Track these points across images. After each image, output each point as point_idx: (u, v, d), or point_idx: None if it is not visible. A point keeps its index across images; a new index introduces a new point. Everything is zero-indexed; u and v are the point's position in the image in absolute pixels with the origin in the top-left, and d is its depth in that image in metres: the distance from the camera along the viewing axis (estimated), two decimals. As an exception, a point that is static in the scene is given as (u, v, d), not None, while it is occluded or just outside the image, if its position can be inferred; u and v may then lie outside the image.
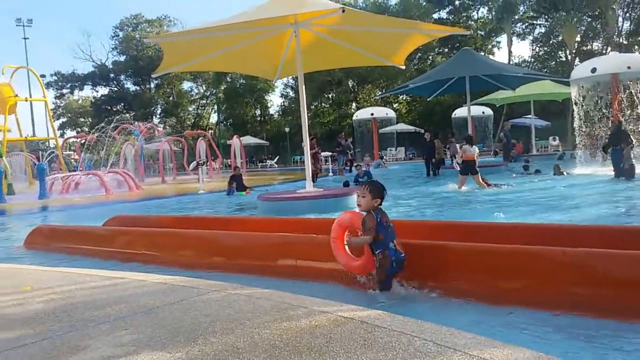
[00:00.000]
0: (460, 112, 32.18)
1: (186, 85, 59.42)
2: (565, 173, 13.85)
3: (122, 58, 57.46)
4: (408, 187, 14.20)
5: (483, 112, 33.92)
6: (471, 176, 11.96)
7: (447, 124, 36.24)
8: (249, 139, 45.84)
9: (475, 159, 12.00)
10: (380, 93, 46.50)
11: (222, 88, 56.13)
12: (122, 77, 58.52)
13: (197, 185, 17.38)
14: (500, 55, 50.50)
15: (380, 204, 3.95)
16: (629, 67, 15.73)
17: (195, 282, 3.82)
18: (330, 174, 21.60)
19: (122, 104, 58.03)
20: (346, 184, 14.24)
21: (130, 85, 59.39)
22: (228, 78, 53.95)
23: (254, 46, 10.75)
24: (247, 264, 5.06)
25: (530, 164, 16.80)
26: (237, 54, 10.97)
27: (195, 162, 19.26)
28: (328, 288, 4.25)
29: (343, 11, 8.42)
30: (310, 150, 16.34)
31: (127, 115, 51.26)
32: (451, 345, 2.18)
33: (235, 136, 31.92)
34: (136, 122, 31.07)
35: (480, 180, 11.89)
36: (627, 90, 15.81)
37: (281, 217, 7.14)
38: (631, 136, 12.77)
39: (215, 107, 57.58)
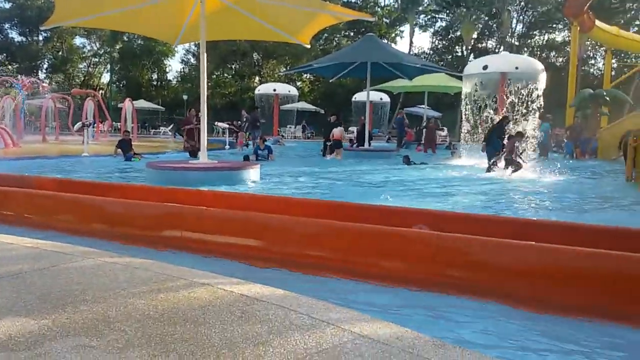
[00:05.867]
0: (360, 97, 32.85)
1: (78, 40, 55.20)
2: (413, 163, 14.58)
3: (7, 5, 52.26)
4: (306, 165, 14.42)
5: (381, 99, 34.87)
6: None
7: (348, 106, 36.94)
8: (143, 103, 43.72)
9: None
10: (284, 70, 46.32)
11: (118, 47, 52.96)
12: (7, 25, 53.21)
13: (81, 147, 16.38)
14: (402, 45, 52.26)
15: None
16: (516, 68, 16.91)
17: (70, 249, 3.61)
18: (227, 147, 21.26)
19: (5, 55, 52.87)
20: (246, 158, 14.12)
21: (15, 36, 54.09)
22: (125, 37, 50.88)
23: (155, 7, 10.19)
24: (130, 233, 4.89)
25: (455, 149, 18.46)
26: (137, 14, 10.38)
27: (80, 122, 18.09)
28: (214, 261, 4.22)
29: (250, -20, 8.24)
30: (186, 125, 15.92)
31: (10, 67, 46.98)
32: (325, 319, 2.25)
33: (127, 99, 30.34)
34: (19, 76, 28.54)
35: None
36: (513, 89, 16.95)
37: (169, 187, 6.94)
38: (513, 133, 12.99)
39: (109, 66, 54.29)
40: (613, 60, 33.31)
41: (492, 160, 12.30)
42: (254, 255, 4.26)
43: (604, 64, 33.68)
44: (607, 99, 22.13)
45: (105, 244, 4.48)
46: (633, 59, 35.38)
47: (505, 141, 12.24)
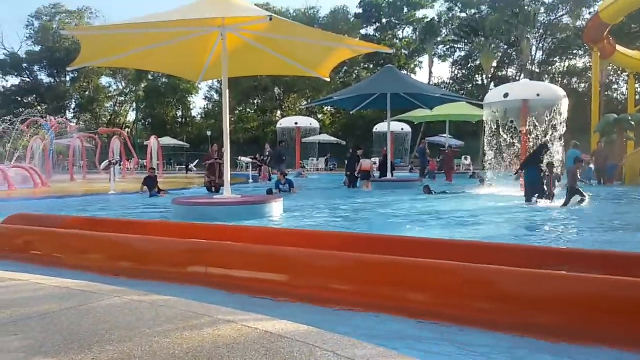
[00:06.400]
0: (381, 127, 32.98)
1: (104, 80, 56.92)
2: (434, 193, 14.50)
3: (37, 48, 54.22)
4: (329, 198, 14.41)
5: (402, 129, 34.95)
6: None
7: (369, 137, 37.09)
8: (168, 140, 44.60)
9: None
10: (305, 103, 46.88)
11: (143, 86, 54.36)
12: (36, 67, 55.10)
13: (108, 185, 16.68)
14: (421, 75, 52.53)
15: None
16: (538, 95, 16.80)
17: (97, 287, 3.65)
18: (251, 181, 21.45)
19: (34, 96, 54.64)
20: (269, 192, 14.20)
21: (44, 77, 55.97)
22: (149, 76, 52.30)
23: (178, 46, 10.49)
24: (156, 270, 4.92)
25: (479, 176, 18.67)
26: (160, 53, 10.67)
27: (107, 161, 18.47)
28: (238, 297, 4.21)
29: (270, 19, 8.41)
30: (207, 160, 16.15)
31: (39, 108, 48.41)
32: (351, 356, 2.22)
33: (153, 136, 30.98)
34: (48, 116, 29.47)
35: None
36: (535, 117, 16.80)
37: (194, 223, 7.00)
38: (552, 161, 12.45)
39: (134, 105, 55.62)
40: (637, 85, 32.92)
41: (536, 193, 11.58)
42: (278, 290, 4.24)
43: (627, 89, 33.28)
44: (632, 123, 21.77)
45: (133, 282, 4.52)
46: (658, 83, 34.94)
47: (545, 168, 11.61)
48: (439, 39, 49.60)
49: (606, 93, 37.86)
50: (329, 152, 40.47)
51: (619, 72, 41.59)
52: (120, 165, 24.66)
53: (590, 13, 38.53)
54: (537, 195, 11.54)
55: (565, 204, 11.09)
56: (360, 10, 51.97)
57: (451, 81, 51.03)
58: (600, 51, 25.02)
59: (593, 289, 3.36)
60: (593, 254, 4.59)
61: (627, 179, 18.23)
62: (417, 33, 50.95)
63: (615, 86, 44.80)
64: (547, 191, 11.51)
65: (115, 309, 3.05)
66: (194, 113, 58.43)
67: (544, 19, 45.87)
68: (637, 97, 32.00)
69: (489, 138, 17.17)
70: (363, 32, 51.46)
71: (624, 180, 18.44)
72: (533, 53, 46.06)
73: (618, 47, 24.73)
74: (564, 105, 16.13)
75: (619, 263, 4.16)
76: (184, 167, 39.45)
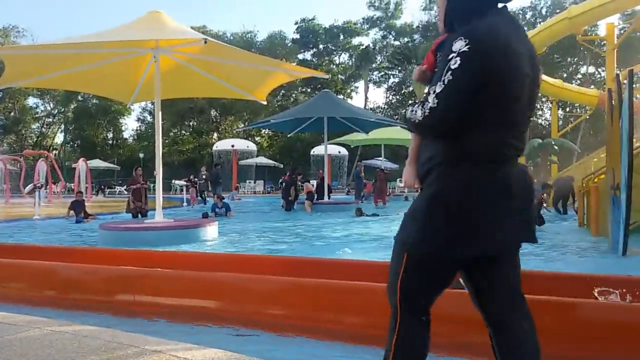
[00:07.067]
0: (318, 150, 33.28)
1: (31, 100, 54.45)
2: (365, 215, 14.67)
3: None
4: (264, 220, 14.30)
5: (339, 152, 35.39)
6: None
7: (306, 160, 37.33)
8: (98, 163, 43.15)
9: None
10: (242, 125, 46.71)
11: (72, 107, 52.47)
12: (-45, 87, 52.08)
13: (32, 210, 15.87)
14: (357, 100, 53.68)
15: None
16: None
17: (14, 318, 3.43)
18: (185, 204, 21.03)
19: (-47, 117, 51.71)
20: (205, 216, 13.95)
21: (-36, 97, 53.10)
22: (79, 97, 50.56)
23: (109, 67, 10.22)
24: (82, 299, 4.68)
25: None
26: (91, 74, 10.36)
27: (32, 184, 17.62)
28: (167, 326, 4.07)
29: (205, 42, 8.36)
30: (132, 185, 15.58)
31: (-42, 129, 45.74)
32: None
33: (81, 159, 29.86)
34: (-31, 138, 27.92)
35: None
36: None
37: (123, 249, 6.75)
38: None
39: (63, 126, 53.53)
40: (559, 111, 34.92)
41: None
42: (210, 316, 4.13)
43: (550, 115, 35.28)
44: (556, 147, 22.97)
45: (56, 312, 4.29)
46: (577, 110, 37.24)
47: None
48: (374, 65, 51.00)
49: (531, 118, 39.92)
50: (267, 176, 40.41)
51: (543, 100, 44.09)
52: (46, 188, 23.56)
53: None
54: None
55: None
56: (298, 36, 52.74)
57: (386, 106, 52.45)
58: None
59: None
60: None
61: (551, 202, 19.19)
62: (353, 59, 52.23)
63: (540, 112, 47.38)
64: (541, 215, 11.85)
65: (34, 341, 2.87)
66: (125, 135, 56.98)
67: (472, 48, 48.02)
68: (560, 122, 33.98)
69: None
70: (300, 57, 52.18)
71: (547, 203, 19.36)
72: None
73: (543, 76, 26.24)
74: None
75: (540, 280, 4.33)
76: (114, 190, 37.97)
